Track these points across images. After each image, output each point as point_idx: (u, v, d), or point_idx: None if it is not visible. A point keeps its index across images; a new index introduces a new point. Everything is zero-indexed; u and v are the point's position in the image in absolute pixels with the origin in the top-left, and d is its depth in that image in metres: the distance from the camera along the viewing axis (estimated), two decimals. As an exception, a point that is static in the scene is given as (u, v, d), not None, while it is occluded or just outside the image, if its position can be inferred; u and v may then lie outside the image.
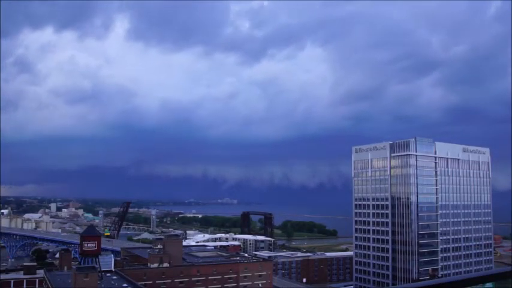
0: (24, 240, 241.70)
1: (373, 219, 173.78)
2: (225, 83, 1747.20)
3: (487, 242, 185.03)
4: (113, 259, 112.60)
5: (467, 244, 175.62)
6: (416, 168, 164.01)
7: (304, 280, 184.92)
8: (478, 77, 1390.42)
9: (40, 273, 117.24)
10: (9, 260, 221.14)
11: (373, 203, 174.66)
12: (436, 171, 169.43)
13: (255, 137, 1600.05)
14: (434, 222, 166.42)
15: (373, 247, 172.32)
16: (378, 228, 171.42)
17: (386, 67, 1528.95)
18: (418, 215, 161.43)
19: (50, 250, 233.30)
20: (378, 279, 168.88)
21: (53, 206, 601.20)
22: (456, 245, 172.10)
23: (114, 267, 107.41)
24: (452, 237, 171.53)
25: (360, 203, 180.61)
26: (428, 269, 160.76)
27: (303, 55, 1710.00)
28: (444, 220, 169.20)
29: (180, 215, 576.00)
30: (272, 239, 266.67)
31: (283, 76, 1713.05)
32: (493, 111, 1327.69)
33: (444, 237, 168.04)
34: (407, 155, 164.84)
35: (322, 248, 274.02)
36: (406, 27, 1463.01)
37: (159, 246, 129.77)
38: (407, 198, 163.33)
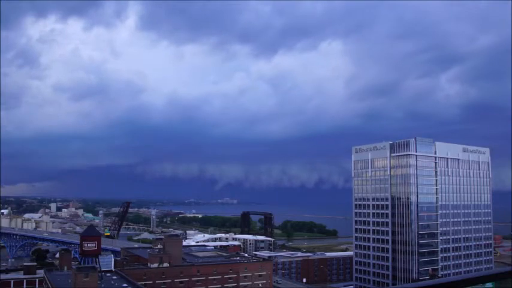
0: (24, 240, 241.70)
1: (373, 219, 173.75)
2: (235, 78, 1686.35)
3: (487, 242, 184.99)
4: (112, 259, 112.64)
5: (467, 244, 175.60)
6: (416, 168, 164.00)
7: (304, 280, 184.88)
8: (501, 71, 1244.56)
9: (40, 273, 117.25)
10: (9, 260, 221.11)
11: (373, 203, 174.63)
12: (436, 171, 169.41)
13: (260, 135, 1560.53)
14: (434, 222, 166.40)
15: (373, 247, 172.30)
16: (378, 228, 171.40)
17: (407, 59, 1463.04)
18: (418, 215, 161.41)
19: (50, 250, 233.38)
20: (378, 279, 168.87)
21: (53, 206, 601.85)
22: (456, 245, 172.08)
23: (114, 267, 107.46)
24: (452, 237, 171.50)
25: (360, 203, 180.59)
26: (428, 269, 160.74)
27: (321, 47, 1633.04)
28: (444, 220, 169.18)
29: (180, 215, 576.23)
30: (272, 239, 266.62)
31: (298, 70, 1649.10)
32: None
33: (444, 237, 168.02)
34: (407, 155, 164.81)
35: (322, 248, 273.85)
36: (433, 18, 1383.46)
37: (159, 246, 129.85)
38: (408, 198, 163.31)
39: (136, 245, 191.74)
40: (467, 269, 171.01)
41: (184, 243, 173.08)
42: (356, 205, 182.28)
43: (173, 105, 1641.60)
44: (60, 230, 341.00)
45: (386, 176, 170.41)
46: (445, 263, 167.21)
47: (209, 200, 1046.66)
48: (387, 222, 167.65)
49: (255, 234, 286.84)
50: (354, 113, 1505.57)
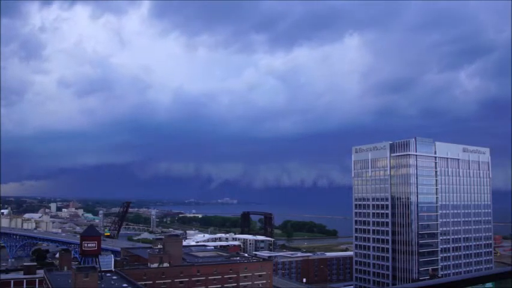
0: (24, 240, 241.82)
1: (373, 219, 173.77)
2: (245, 73, 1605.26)
3: (487, 242, 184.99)
4: (112, 259, 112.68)
5: (467, 244, 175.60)
6: (416, 168, 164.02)
7: (304, 280, 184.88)
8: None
9: (40, 273, 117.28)
10: (9, 259, 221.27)
11: (373, 203, 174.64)
12: (436, 171, 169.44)
13: (265, 133, 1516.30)
14: (434, 222, 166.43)
15: (373, 247, 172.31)
16: (378, 228, 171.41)
17: (429, 51, 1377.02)
18: (418, 215, 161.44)
19: (50, 250, 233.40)
20: (378, 279, 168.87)
21: (53, 206, 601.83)
22: (456, 245, 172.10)
23: (114, 267, 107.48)
24: (452, 237, 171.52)
25: (360, 203, 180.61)
26: (428, 269, 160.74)
27: (340, 40, 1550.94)
28: (444, 220, 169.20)
29: (180, 215, 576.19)
30: (272, 239, 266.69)
31: (311, 64, 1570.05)
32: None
33: (444, 237, 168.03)
34: (407, 155, 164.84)
35: (322, 248, 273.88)
36: (463, 8, 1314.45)
37: (159, 246, 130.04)
38: (408, 198, 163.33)
39: (137, 244, 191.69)
40: (467, 269, 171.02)
41: (184, 243, 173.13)
42: (356, 205, 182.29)
43: (179, 102, 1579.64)
44: (60, 230, 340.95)
45: (387, 176, 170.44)
46: (445, 263, 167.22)
47: (209, 200, 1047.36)
48: (387, 222, 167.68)
49: (255, 234, 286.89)
50: (367, 109, 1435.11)
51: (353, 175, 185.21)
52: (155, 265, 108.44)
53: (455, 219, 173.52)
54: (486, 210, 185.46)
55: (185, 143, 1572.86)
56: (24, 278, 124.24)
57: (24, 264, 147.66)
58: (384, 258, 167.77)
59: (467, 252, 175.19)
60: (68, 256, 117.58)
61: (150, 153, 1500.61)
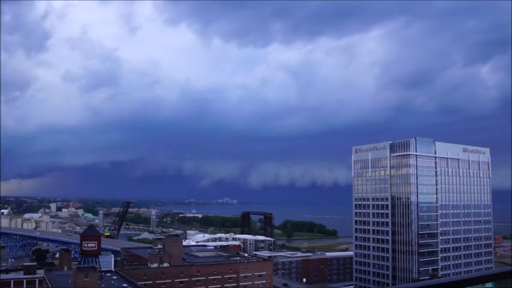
0: (24, 240, 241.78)
1: (373, 219, 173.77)
2: (256, 68, 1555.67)
3: (487, 242, 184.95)
4: (112, 259, 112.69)
5: (467, 244, 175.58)
6: (416, 168, 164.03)
7: (304, 280, 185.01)
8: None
9: (40, 273, 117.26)
10: (9, 259, 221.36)
11: (373, 203, 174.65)
12: (436, 171, 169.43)
13: (269, 132, 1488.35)
14: (434, 222, 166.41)
15: (373, 247, 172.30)
16: (378, 228, 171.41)
17: (458, 42, 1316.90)
18: (418, 215, 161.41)
19: (50, 250, 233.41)
20: (378, 279, 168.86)
21: (53, 206, 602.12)
22: (456, 245, 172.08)
23: (114, 267, 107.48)
24: (452, 237, 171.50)
25: (359, 203, 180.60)
26: (428, 269, 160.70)
27: (363, 31, 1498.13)
28: (444, 220, 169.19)
29: (180, 215, 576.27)
30: (272, 239, 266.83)
31: (326, 59, 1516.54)
32: None
33: (444, 237, 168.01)
34: (407, 155, 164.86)
35: (322, 248, 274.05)
36: None
37: (159, 246, 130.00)
38: (407, 198, 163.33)
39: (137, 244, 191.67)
40: (467, 269, 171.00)
41: (184, 243, 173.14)
42: (356, 205, 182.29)
43: (185, 98, 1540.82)
44: (60, 230, 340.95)
45: (387, 176, 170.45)
46: (445, 263, 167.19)
47: (209, 200, 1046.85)
48: (387, 222, 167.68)
49: (255, 234, 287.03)
50: (381, 105, 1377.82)
51: (353, 175, 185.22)
52: (155, 265, 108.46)
53: (455, 219, 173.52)
54: (486, 210, 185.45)
55: (187, 142, 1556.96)
56: (24, 278, 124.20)
57: (24, 264, 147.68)
58: (384, 258, 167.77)
59: (467, 252, 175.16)
60: (68, 256, 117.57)
61: (150, 152, 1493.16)
